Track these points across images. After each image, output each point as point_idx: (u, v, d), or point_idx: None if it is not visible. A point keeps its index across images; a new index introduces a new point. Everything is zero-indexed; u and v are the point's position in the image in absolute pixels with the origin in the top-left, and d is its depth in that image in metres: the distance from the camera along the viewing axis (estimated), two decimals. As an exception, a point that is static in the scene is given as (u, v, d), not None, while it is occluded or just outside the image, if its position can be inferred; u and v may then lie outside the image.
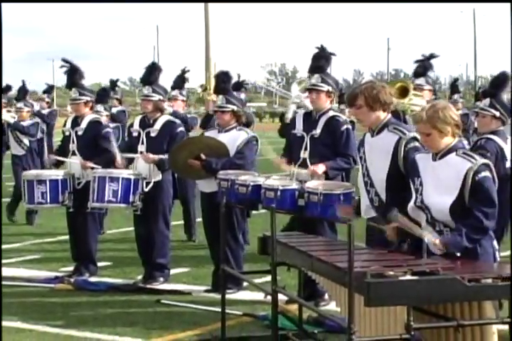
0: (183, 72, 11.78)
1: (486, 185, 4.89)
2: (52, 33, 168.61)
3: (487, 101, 7.20)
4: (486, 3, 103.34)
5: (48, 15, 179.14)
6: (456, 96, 15.26)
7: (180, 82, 11.90)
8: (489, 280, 4.41)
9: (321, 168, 7.42)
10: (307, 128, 7.72)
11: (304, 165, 7.57)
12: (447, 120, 5.00)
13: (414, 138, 5.84)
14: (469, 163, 4.92)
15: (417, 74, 8.69)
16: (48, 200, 8.90)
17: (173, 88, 11.71)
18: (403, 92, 8.51)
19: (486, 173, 4.90)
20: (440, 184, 4.97)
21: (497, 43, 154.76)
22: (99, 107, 13.77)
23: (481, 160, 4.97)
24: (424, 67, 8.72)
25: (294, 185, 7.28)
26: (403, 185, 5.73)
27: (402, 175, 5.78)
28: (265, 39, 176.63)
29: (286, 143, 8.21)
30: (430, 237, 4.87)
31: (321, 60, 7.87)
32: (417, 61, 8.84)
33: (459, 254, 4.83)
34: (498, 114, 7.17)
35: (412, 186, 5.17)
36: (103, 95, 13.42)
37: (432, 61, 8.61)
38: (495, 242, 5.07)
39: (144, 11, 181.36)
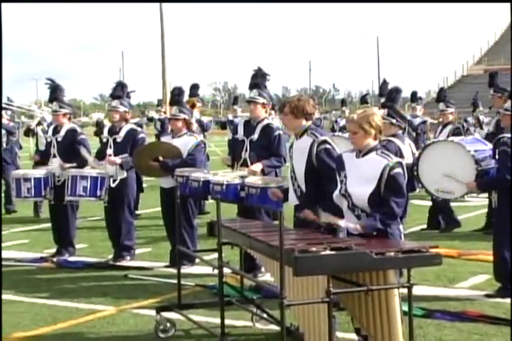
0: None
1: (398, 180, 4.83)
2: (37, 57, 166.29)
3: (385, 111, 7.26)
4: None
5: (35, 42, 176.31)
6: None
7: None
8: (392, 254, 4.43)
9: (258, 167, 7.44)
10: (247, 133, 7.73)
11: (245, 163, 7.59)
12: (373, 124, 4.93)
13: (325, 141, 5.80)
14: (386, 160, 4.87)
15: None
16: (33, 194, 8.77)
17: None
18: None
19: (398, 170, 4.85)
20: (361, 177, 4.90)
21: (396, 65, 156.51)
22: None
23: (396, 159, 4.93)
24: None
25: (237, 180, 7.29)
26: (318, 179, 5.74)
27: (317, 171, 5.76)
28: (211, 62, 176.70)
29: (229, 146, 8.21)
30: (350, 225, 4.81)
31: (258, 78, 7.88)
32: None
33: (375, 233, 4.81)
34: (394, 121, 7.26)
35: (338, 177, 5.08)
36: None
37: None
38: (401, 226, 5.05)
39: (112, 40, 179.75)
